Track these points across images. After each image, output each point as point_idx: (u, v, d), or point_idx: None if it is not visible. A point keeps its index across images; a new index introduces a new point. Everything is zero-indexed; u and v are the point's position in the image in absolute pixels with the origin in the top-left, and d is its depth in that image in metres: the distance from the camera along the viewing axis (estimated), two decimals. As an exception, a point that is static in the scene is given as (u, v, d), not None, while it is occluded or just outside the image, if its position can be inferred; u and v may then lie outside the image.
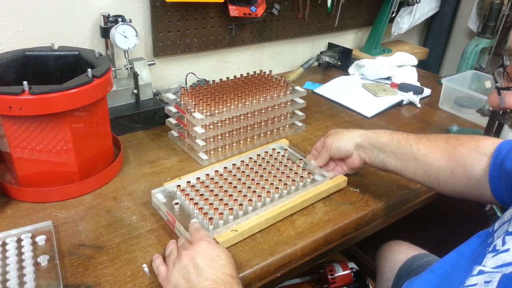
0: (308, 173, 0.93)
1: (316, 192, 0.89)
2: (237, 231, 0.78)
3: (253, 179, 0.90)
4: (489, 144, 0.77)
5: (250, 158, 0.98)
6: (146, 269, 0.71)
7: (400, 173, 0.86)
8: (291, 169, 0.94)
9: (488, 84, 1.40)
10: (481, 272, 0.52)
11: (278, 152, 1.01)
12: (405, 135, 0.85)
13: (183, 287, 0.63)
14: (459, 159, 0.78)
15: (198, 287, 0.62)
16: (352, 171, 0.96)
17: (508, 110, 0.55)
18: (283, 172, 0.93)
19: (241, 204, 0.82)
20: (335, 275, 1.25)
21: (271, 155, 1.00)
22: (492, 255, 0.54)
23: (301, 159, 0.98)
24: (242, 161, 0.97)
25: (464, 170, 0.78)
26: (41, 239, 0.75)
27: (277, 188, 0.88)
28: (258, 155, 0.99)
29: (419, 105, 1.40)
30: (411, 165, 0.83)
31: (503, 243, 0.54)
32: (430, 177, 0.82)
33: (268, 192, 0.87)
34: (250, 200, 0.84)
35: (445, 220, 1.32)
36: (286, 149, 1.02)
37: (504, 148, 0.74)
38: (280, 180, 0.90)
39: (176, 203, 0.84)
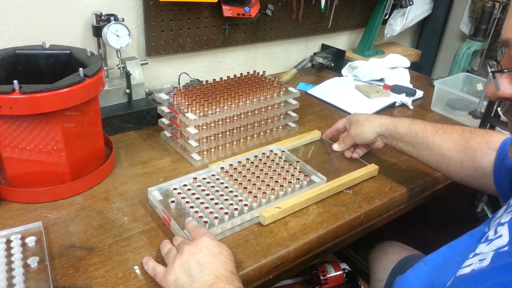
0: (305, 175, 0.93)
1: (350, 178, 0.95)
2: (281, 208, 0.83)
3: (249, 180, 0.90)
4: (499, 139, 0.82)
5: (247, 158, 0.98)
6: (137, 271, 0.71)
7: (416, 159, 0.95)
8: (287, 171, 0.95)
9: (480, 86, 1.41)
10: (475, 255, 0.56)
11: (276, 154, 1.01)
12: (423, 126, 0.92)
13: (183, 282, 0.63)
14: (470, 152, 0.84)
15: (200, 282, 0.62)
16: (375, 150, 1.07)
17: (504, 98, 0.57)
18: (279, 174, 0.93)
19: (236, 207, 0.82)
20: (328, 276, 1.25)
21: (268, 157, 0.99)
22: (485, 244, 0.56)
23: (298, 161, 0.98)
24: (239, 162, 0.97)
25: (472, 162, 0.84)
26: (31, 240, 0.74)
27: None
28: (255, 156, 0.99)
29: (411, 107, 1.40)
30: (426, 153, 0.91)
31: (495, 233, 0.57)
32: (442, 165, 0.89)
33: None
34: (246, 201, 0.84)
35: (437, 221, 1.33)
36: (284, 151, 1.02)
37: (508, 145, 0.80)
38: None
39: (172, 201, 0.84)
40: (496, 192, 0.82)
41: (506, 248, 0.52)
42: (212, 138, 1.02)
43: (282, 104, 1.14)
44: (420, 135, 0.91)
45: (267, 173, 0.92)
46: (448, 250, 0.68)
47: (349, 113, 1.32)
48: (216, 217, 0.79)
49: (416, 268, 0.69)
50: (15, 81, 0.74)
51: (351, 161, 1.06)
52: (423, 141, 0.90)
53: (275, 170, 0.94)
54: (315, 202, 0.89)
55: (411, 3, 1.74)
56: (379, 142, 1.00)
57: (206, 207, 0.82)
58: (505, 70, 0.55)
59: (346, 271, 1.28)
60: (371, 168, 1.00)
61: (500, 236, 0.55)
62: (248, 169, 0.94)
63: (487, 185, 0.82)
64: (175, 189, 0.87)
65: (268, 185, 0.89)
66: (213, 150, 1.04)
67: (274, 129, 1.16)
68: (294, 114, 1.18)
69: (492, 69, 0.57)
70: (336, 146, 1.08)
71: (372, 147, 1.03)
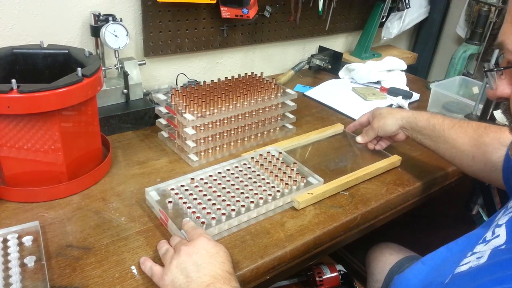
0: (302, 176, 0.94)
1: (374, 168, 1.00)
2: (313, 194, 0.88)
3: (246, 181, 0.90)
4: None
5: (244, 160, 0.98)
6: (134, 270, 0.71)
7: (433, 151, 0.99)
8: (284, 172, 0.94)
9: (476, 90, 1.42)
10: (473, 254, 0.57)
11: (273, 156, 1.01)
12: (441, 120, 0.96)
13: (180, 282, 0.63)
14: (482, 147, 0.87)
15: (197, 282, 0.62)
16: (396, 143, 1.11)
17: (503, 98, 0.60)
18: (276, 176, 0.93)
19: (233, 207, 0.82)
20: (323, 277, 1.26)
21: (265, 158, 1.00)
22: (483, 245, 0.57)
23: (295, 163, 0.98)
24: (234, 165, 0.97)
25: (483, 156, 0.86)
26: (27, 240, 0.74)
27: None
28: (252, 158, 0.99)
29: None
30: (442, 146, 0.95)
31: (493, 234, 0.58)
32: (455, 158, 0.93)
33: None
34: (243, 202, 0.84)
35: (433, 223, 1.34)
36: (281, 153, 1.02)
37: None
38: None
39: (170, 202, 0.84)
40: (504, 187, 0.83)
41: (503, 247, 0.53)
42: (210, 139, 1.02)
43: (280, 106, 1.14)
44: (438, 128, 0.94)
45: (265, 174, 0.93)
46: (445, 251, 0.69)
47: (346, 115, 1.33)
48: (213, 218, 0.79)
49: (414, 267, 0.70)
50: (13, 80, 0.74)
51: (374, 153, 1.10)
52: (440, 134, 0.94)
53: (272, 172, 0.94)
54: (312, 203, 0.90)
55: (408, 6, 1.75)
56: (401, 135, 1.03)
57: (204, 208, 0.82)
58: (495, 69, 0.58)
59: (342, 272, 1.28)
60: (394, 159, 1.05)
61: (498, 236, 0.56)
62: (245, 171, 0.94)
63: (497, 180, 0.84)
64: (172, 189, 0.87)
65: (265, 186, 0.89)
66: (210, 151, 1.04)
67: (272, 131, 1.16)
68: (291, 116, 1.19)
69: (485, 69, 0.60)
70: (359, 138, 1.12)
71: (395, 139, 1.06)
